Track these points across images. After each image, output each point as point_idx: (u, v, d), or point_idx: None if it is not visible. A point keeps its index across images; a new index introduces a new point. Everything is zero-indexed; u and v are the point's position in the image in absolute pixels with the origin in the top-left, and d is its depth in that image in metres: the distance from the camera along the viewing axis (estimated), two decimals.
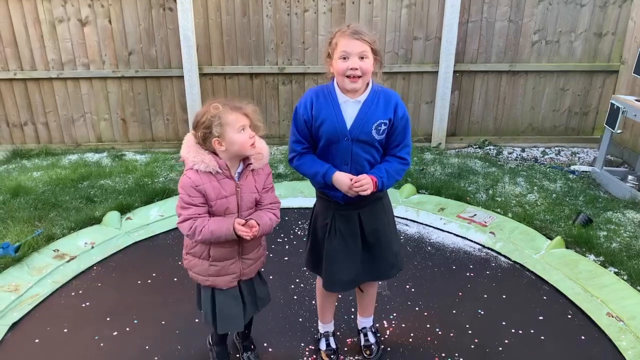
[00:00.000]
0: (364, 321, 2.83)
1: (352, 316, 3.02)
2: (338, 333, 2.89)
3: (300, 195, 4.55)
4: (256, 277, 2.47)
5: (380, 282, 2.99)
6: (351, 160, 2.25)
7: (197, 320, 2.92)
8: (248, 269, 2.36)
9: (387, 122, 2.23)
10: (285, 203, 4.39)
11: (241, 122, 2.12)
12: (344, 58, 2.12)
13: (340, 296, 3.09)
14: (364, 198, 2.27)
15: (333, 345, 2.77)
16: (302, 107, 2.27)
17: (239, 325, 2.40)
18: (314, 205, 2.52)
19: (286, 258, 3.66)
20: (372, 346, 2.76)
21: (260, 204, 2.30)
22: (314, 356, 2.75)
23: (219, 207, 2.17)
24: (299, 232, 4.01)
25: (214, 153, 2.16)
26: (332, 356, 2.72)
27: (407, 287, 3.33)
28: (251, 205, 2.27)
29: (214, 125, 2.08)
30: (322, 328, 2.82)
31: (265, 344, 2.80)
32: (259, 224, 2.18)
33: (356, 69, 2.12)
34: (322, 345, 2.77)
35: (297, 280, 3.39)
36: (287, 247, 3.81)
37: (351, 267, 2.43)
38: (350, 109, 2.22)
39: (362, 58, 2.12)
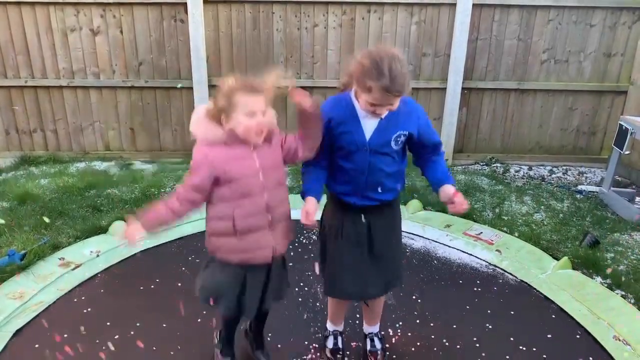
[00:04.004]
0: (371, 328, 2.81)
1: (357, 321, 3.01)
2: (342, 335, 2.87)
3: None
4: (283, 260, 2.42)
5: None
6: (368, 170, 2.29)
7: (200, 326, 2.91)
8: (281, 242, 2.30)
9: (407, 134, 2.27)
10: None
11: (252, 106, 2.05)
12: (373, 105, 2.12)
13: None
14: (378, 205, 2.36)
15: (340, 345, 2.76)
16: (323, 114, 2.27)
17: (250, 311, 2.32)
18: (324, 208, 2.52)
19: (290, 264, 3.63)
20: (378, 352, 2.74)
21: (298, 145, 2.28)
22: (318, 354, 2.74)
23: (241, 186, 2.12)
24: (303, 241, 4.01)
25: None
26: (337, 355, 2.70)
27: (414, 297, 3.32)
28: (278, 182, 2.23)
29: (224, 100, 2.04)
30: (330, 327, 2.82)
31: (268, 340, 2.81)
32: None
33: (384, 114, 2.18)
34: (329, 343, 2.77)
35: (302, 284, 3.41)
36: (291, 253, 3.79)
37: (356, 277, 2.42)
38: (370, 121, 2.24)
39: (391, 105, 2.13)
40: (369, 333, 2.81)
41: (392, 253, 2.49)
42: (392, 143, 2.26)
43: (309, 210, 2.26)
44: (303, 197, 2.34)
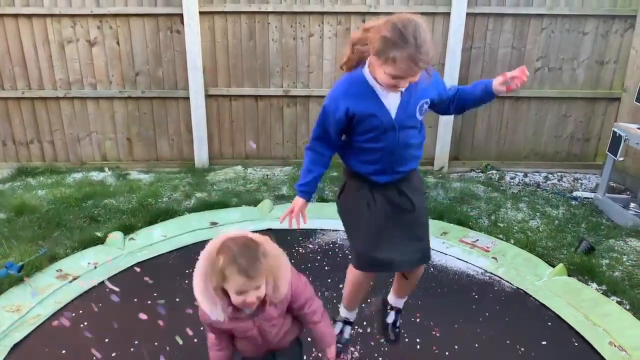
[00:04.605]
0: (398, 301, 2.71)
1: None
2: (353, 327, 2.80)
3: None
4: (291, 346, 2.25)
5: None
6: (397, 147, 2.19)
7: (196, 340, 2.92)
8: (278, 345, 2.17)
9: (429, 101, 2.19)
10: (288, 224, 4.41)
11: (242, 287, 1.79)
12: (396, 78, 1.97)
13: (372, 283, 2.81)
14: (404, 176, 2.29)
15: (347, 336, 2.67)
16: (333, 109, 2.14)
17: None
18: (344, 185, 2.39)
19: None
20: (398, 327, 2.70)
21: (304, 319, 2.15)
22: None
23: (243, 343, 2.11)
24: (302, 251, 4.03)
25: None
26: (349, 348, 2.62)
27: (411, 301, 3.33)
28: (278, 334, 2.09)
29: (216, 271, 1.80)
30: (344, 312, 2.68)
31: None
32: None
33: (405, 87, 2.04)
34: (337, 330, 2.65)
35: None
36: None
37: (395, 245, 2.31)
38: (391, 97, 2.12)
39: (414, 76, 1.99)
40: (395, 306, 2.71)
41: (423, 218, 2.41)
42: (417, 114, 2.17)
43: (295, 212, 2.29)
44: (297, 190, 2.31)
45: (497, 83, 2.21)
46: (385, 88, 2.06)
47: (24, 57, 5.59)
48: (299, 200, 2.32)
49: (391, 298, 2.76)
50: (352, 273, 2.49)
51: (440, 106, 2.33)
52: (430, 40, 1.93)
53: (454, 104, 2.33)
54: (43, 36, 5.53)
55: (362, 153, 2.23)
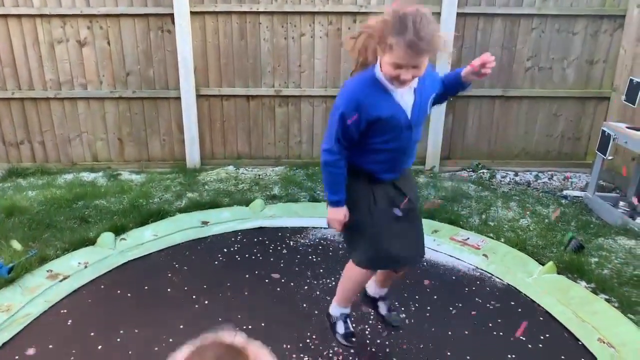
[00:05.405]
0: (383, 290, 2.73)
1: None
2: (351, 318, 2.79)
3: (295, 215, 4.58)
4: None
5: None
6: (409, 145, 2.22)
7: (185, 334, 2.92)
8: None
9: (434, 94, 2.23)
10: (280, 223, 4.43)
11: None
12: (398, 67, 1.94)
13: None
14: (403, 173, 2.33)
15: (351, 328, 2.65)
16: (351, 114, 2.07)
17: None
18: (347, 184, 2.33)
19: (277, 276, 3.67)
20: (394, 311, 2.75)
21: None
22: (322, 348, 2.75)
23: None
24: (293, 245, 4.03)
25: None
26: (352, 339, 2.59)
27: (402, 295, 3.38)
28: None
29: None
30: (338, 311, 2.65)
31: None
32: None
33: (409, 79, 1.99)
34: (340, 328, 2.62)
35: (292, 304, 3.41)
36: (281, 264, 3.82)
37: (405, 241, 2.35)
38: (406, 97, 2.11)
39: (416, 66, 1.95)
40: (381, 296, 2.72)
41: (419, 214, 2.46)
42: (428, 110, 2.20)
43: (343, 221, 2.27)
44: (333, 205, 2.26)
45: (466, 72, 2.24)
46: (393, 81, 2.02)
47: (14, 58, 5.56)
48: (342, 210, 2.27)
49: (375, 290, 2.75)
50: (356, 272, 2.44)
51: (436, 99, 2.35)
52: (434, 29, 1.88)
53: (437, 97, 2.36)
54: (33, 36, 5.50)
55: (374, 153, 2.21)
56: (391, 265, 2.44)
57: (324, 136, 2.23)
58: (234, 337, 1.21)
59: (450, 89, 2.35)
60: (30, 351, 2.89)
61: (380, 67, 2.03)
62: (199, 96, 5.75)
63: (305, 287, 3.51)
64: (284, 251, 4.01)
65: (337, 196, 2.24)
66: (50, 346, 2.92)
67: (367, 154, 2.21)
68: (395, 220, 2.32)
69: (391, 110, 2.08)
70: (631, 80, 4.68)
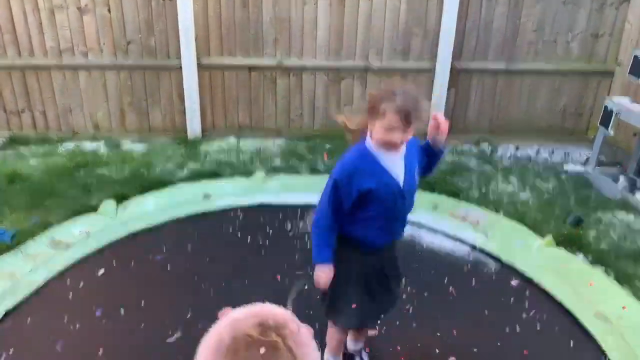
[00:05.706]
0: (360, 344, 2.81)
1: None
2: None
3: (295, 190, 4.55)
4: None
5: None
6: (401, 213, 2.31)
7: (186, 309, 2.96)
8: None
9: (419, 162, 2.30)
10: (280, 199, 4.39)
11: None
12: (389, 130, 2.06)
13: None
14: (392, 244, 2.42)
15: None
16: (345, 184, 2.17)
17: None
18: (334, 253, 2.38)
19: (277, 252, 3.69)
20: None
21: None
22: None
23: None
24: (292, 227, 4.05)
25: None
26: None
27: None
28: None
29: None
30: (334, 358, 2.72)
31: None
32: None
33: (399, 142, 2.10)
34: None
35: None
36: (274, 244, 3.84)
37: (380, 303, 2.47)
38: (396, 167, 2.20)
39: (405, 130, 2.08)
40: (358, 350, 2.81)
41: (399, 273, 2.56)
42: (416, 176, 2.28)
43: (328, 279, 2.29)
44: (320, 262, 2.29)
45: (429, 136, 2.32)
46: (383, 147, 2.13)
47: (14, 24, 5.50)
48: (326, 269, 2.29)
49: (353, 345, 2.82)
50: (337, 331, 2.58)
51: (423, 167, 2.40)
52: (420, 99, 2.09)
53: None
54: (33, 3, 5.42)
55: (365, 221, 2.26)
56: (368, 324, 2.70)
57: (318, 201, 2.31)
58: (276, 312, 1.12)
59: (430, 156, 2.39)
60: (33, 320, 2.93)
61: (371, 136, 2.16)
62: (200, 66, 5.70)
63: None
64: (285, 228, 4.02)
65: (321, 257, 2.30)
66: (52, 317, 2.96)
67: (356, 221, 2.28)
68: (377, 287, 2.42)
69: (383, 179, 2.17)
70: (636, 57, 4.63)
